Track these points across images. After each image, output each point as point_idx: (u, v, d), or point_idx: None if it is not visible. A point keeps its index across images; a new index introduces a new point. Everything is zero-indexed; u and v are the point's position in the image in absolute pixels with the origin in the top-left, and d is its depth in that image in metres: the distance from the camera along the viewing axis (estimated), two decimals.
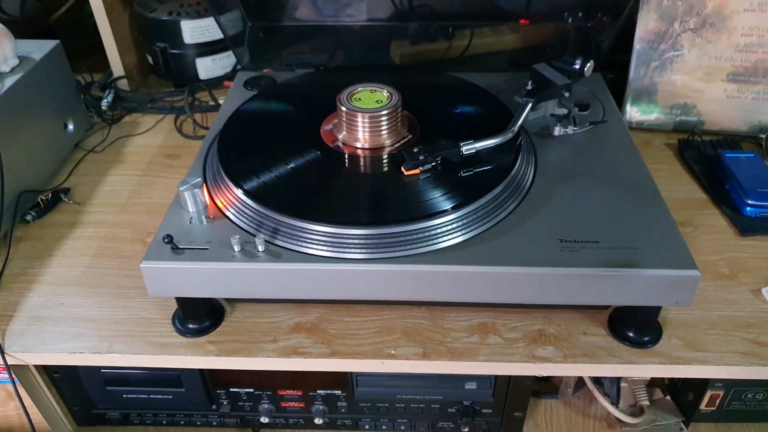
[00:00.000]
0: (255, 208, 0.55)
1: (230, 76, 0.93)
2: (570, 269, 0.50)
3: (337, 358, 0.56)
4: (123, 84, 0.93)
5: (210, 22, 0.88)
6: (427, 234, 0.53)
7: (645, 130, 0.85)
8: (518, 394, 0.64)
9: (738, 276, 0.63)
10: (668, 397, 0.72)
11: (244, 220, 0.55)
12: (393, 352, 0.56)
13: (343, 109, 0.61)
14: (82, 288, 0.63)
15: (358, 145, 0.61)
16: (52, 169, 0.78)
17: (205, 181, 0.60)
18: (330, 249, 0.52)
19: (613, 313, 0.58)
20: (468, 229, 0.54)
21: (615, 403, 0.70)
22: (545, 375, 0.58)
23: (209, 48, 0.91)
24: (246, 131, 0.66)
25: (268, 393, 0.66)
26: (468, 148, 0.59)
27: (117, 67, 0.92)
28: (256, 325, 0.59)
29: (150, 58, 0.94)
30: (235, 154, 0.61)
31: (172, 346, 0.57)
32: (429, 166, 0.57)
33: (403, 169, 0.57)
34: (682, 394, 0.70)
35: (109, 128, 0.86)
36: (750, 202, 0.69)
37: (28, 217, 0.70)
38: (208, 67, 0.92)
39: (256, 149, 0.62)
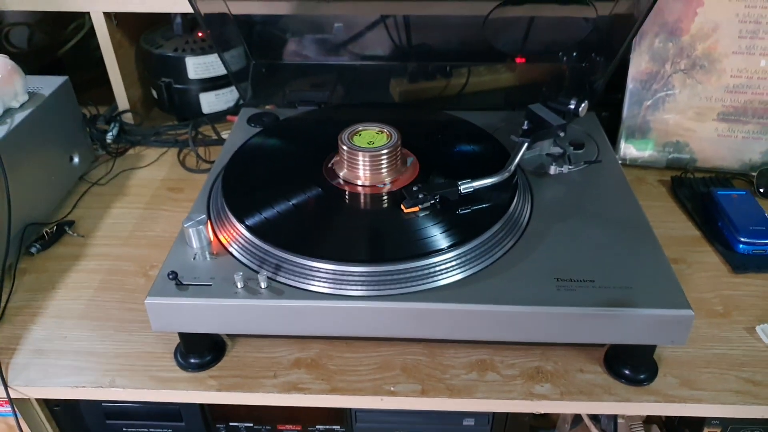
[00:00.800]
0: (258, 245, 0.56)
1: (233, 110, 0.95)
2: (566, 308, 0.51)
3: (337, 395, 0.56)
4: (128, 117, 0.95)
5: (214, 58, 0.90)
6: (426, 272, 0.54)
7: (639, 167, 0.87)
8: (516, 430, 0.64)
9: (732, 314, 0.64)
10: None
11: (247, 256, 0.56)
12: (392, 388, 0.57)
13: (345, 148, 0.62)
14: (85, 321, 0.63)
15: (359, 182, 0.63)
16: (56, 202, 0.79)
17: (209, 217, 0.61)
18: (331, 286, 0.53)
19: (609, 350, 0.59)
20: (466, 267, 0.55)
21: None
22: (542, 412, 0.59)
23: (212, 83, 0.93)
24: (249, 168, 0.67)
25: (267, 428, 0.66)
26: (466, 187, 0.60)
27: (122, 100, 0.94)
28: (257, 360, 0.59)
29: (155, 93, 0.96)
30: (239, 190, 0.63)
31: (173, 380, 0.58)
32: (428, 204, 0.59)
33: (402, 206, 0.59)
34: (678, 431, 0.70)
35: (113, 161, 0.88)
36: (743, 239, 0.71)
37: (33, 250, 0.71)
38: (211, 102, 0.94)
39: (260, 186, 0.63)
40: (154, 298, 0.53)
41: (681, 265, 0.70)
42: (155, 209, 0.79)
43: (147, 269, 0.70)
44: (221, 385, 0.57)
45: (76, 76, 0.83)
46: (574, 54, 0.87)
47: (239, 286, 0.53)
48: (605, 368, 0.58)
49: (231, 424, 0.66)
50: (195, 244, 0.58)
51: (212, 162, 0.86)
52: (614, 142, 0.86)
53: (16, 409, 0.59)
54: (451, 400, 0.56)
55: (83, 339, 0.61)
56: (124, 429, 0.66)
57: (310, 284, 0.53)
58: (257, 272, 0.54)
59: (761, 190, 0.81)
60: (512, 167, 0.63)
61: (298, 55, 0.87)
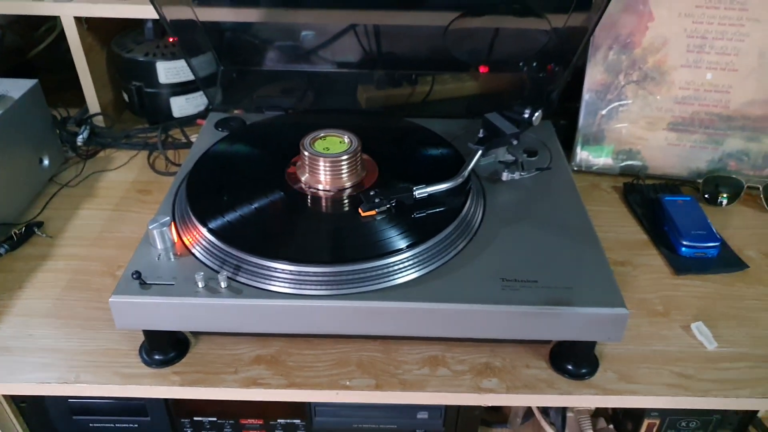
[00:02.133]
0: (219, 246, 0.58)
1: (203, 114, 0.97)
2: (509, 307, 0.55)
3: (295, 389, 0.59)
4: (98, 120, 0.96)
5: (184, 63, 0.92)
6: (381, 272, 0.57)
7: (594, 174, 0.91)
8: (467, 424, 0.68)
9: (671, 313, 0.68)
10: (611, 426, 0.76)
11: (208, 257, 0.59)
12: (347, 383, 0.59)
13: (306, 153, 0.65)
14: (52, 320, 0.65)
15: (320, 187, 0.66)
16: (26, 203, 0.81)
17: (174, 219, 0.64)
18: (288, 286, 0.56)
19: (554, 347, 0.62)
20: (420, 268, 0.58)
21: (561, 431, 0.74)
22: (489, 405, 0.62)
23: (183, 87, 0.95)
24: (214, 172, 0.69)
25: (231, 422, 0.68)
26: (420, 191, 0.63)
27: (93, 103, 0.96)
28: (219, 356, 0.62)
29: (126, 96, 0.98)
30: (203, 193, 0.65)
31: (138, 376, 0.60)
32: (384, 208, 0.62)
33: (360, 210, 0.62)
34: (623, 424, 0.74)
35: (83, 163, 0.89)
36: (685, 243, 0.75)
37: (1, 250, 0.73)
38: (181, 106, 0.96)
39: (223, 189, 0.66)
40: (118, 296, 0.55)
41: (627, 268, 0.74)
42: (124, 211, 0.81)
43: (114, 269, 0.72)
44: (184, 380, 0.59)
45: (48, 78, 0.85)
46: (534, 64, 0.91)
47: (200, 285, 0.55)
48: (550, 364, 0.61)
49: (195, 418, 0.68)
50: (159, 245, 0.60)
51: (180, 165, 0.88)
52: (571, 149, 0.90)
53: None
54: (404, 393, 0.59)
55: (49, 337, 0.63)
56: (91, 425, 0.68)
57: (267, 284, 0.56)
58: (218, 272, 0.56)
59: (706, 197, 0.85)
60: (465, 173, 0.66)
61: (266, 61, 0.89)
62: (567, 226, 0.65)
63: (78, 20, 0.88)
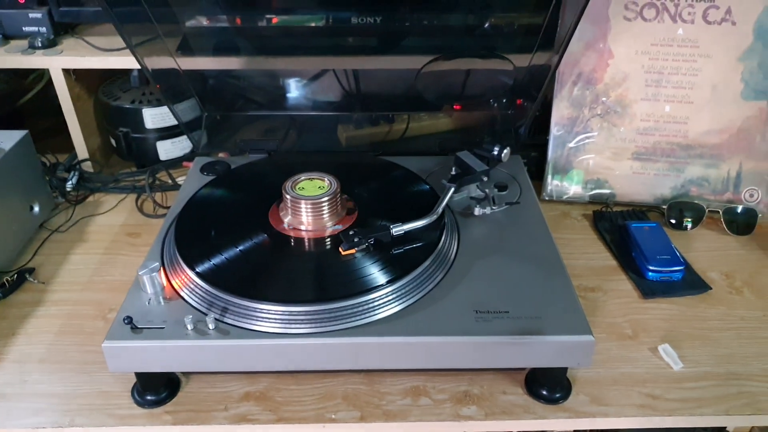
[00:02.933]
0: (206, 289, 0.61)
1: (188, 156, 1.00)
2: (482, 338, 0.58)
3: (283, 423, 0.62)
4: (87, 165, 0.99)
5: (177, 107, 0.96)
6: (363, 308, 0.60)
7: (564, 203, 0.95)
8: None
9: (639, 336, 0.71)
10: None
11: (197, 300, 0.62)
12: (333, 416, 0.62)
13: (288, 196, 0.69)
14: (46, 365, 0.67)
15: (303, 228, 0.69)
16: (17, 250, 0.83)
17: (162, 263, 0.67)
18: (274, 325, 0.59)
19: (528, 373, 0.65)
20: (400, 301, 0.62)
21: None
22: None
23: (169, 132, 0.98)
24: (201, 217, 0.73)
25: None
26: (397, 230, 0.67)
27: (81, 149, 0.99)
28: (210, 395, 0.64)
29: (113, 141, 1.01)
30: (190, 238, 0.68)
31: (131, 417, 0.62)
32: (363, 246, 0.65)
33: (340, 249, 0.65)
34: None
35: (73, 208, 0.92)
36: (651, 268, 0.79)
37: None
38: (167, 149, 1.00)
39: (209, 234, 0.69)
40: (110, 341, 0.58)
41: (598, 293, 0.78)
42: (114, 254, 0.84)
43: (106, 312, 0.74)
44: (176, 419, 0.62)
45: (36, 124, 0.87)
46: (503, 101, 0.96)
47: (189, 328, 0.58)
48: (526, 390, 0.65)
49: None
50: (149, 289, 0.63)
51: (168, 207, 0.91)
52: (542, 180, 0.94)
53: None
54: (387, 424, 0.62)
55: (44, 382, 0.65)
56: None
57: (253, 324, 0.59)
58: (206, 315, 0.59)
59: (672, 221, 0.90)
60: (439, 210, 0.70)
61: (248, 106, 0.93)
62: (536, 257, 0.68)
63: (66, 72, 0.92)
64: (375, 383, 0.66)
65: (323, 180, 0.71)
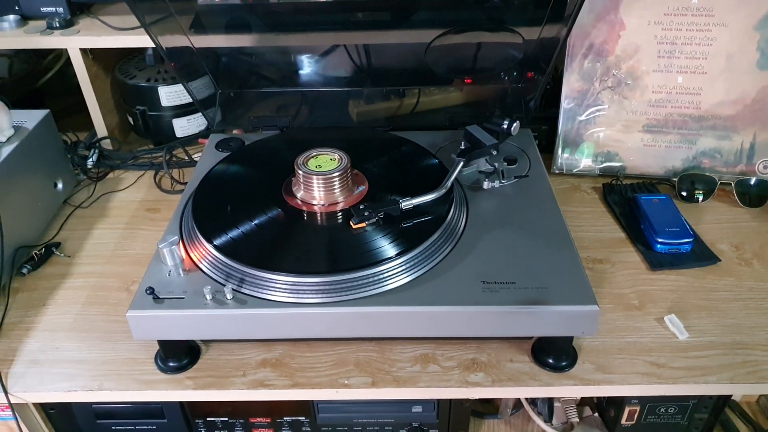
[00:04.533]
0: (224, 262, 0.64)
1: (204, 133, 1.03)
2: (488, 307, 0.60)
3: (298, 389, 0.65)
4: (106, 143, 1.02)
5: (191, 85, 0.98)
6: (374, 279, 0.63)
7: (574, 176, 0.96)
8: (459, 415, 0.73)
9: (646, 306, 0.73)
10: (596, 414, 0.81)
11: (215, 271, 0.64)
12: (346, 381, 0.65)
13: (300, 172, 0.70)
14: (74, 333, 0.71)
15: (315, 202, 0.71)
16: (44, 225, 0.86)
17: (181, 236, 0.69)
18: (289, 295, 0.62)
19: (535, 342, 0.67)
20: (409, 273, 0.64)
21: (548, 420, 0.79)
22: (476, 398, 0.67)
23: (184, 110, 1.00)
24: (217, 192, 0.75)
25: (241, 421, 0.74)
26: (406, 204, 0.68)
27: (100, 127, 1.01)
28: (228, 361, 0.67)
29: (131, 119, 1.04)
30: (207, 213, 0.71)
31: (154, 382, 0.65)
32: (373, 220, 0.67)
33: (351, 223, 0.67)
34: (606, 411, 0.80)
35: (94, 185, 0.95)
36: (660, 240, 0.79)
37: (24, 270, 0.78)
38: (183, 126, 1.02)
39: (225, 209, 0.71)
40: (134, 311, 0.61)
41: (605, 265, 0.79)
42: (134, 229, 0.87)
43: (129, 284, 0.77)
44: (197, 384, 0.65)
45: (56, 103, 0.89)
46: (514, 75, 0.96)
47: (208, 298, 0.61)
48: (532, 358, 0.67)
49: (208, 419, 0.74)
50: (169, 262, 0.65)
51: (185, 183, 0.94)
52: (553, 153, 0.95)
53: (16, 413, 0.66)
54: (397, 389, 0.64)
55: (73, 349, 0.69)
56: (113, 427, 0.74)
57: (270, 294, 0.62)
58: (224, 285, 0.62)
59: (683, 194, 0.90)
60: (448, 184, 0.72)
61: (261, 83, 0.95)
62: (544, 230, 0.70)
63: (83, 51, 0.94)
64: (386, 351, 0.68)
65: (334, 155, 0.73)
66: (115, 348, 0.69)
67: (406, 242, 0.65)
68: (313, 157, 0.72)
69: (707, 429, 0.77)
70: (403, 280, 0.63)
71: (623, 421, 0.77)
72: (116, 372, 0.66)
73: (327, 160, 0.72)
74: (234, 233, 0.67)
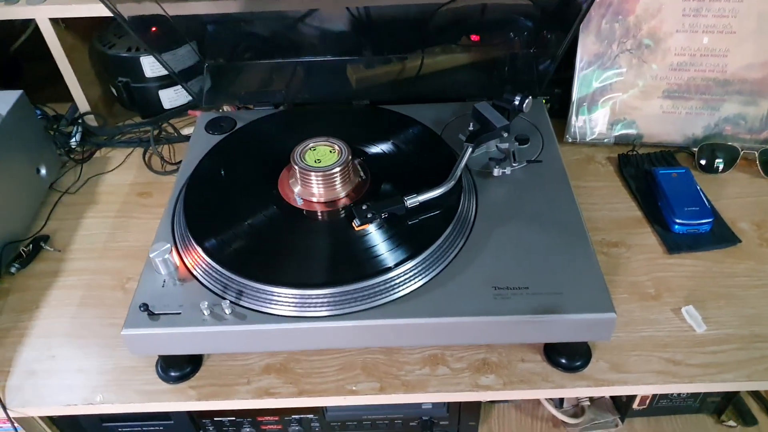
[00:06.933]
0: (221, 272, 0.60)
1: (193, 104, 0.96)
2: (501, 317, 0.57)
3: (304, 397, 0.63)
4: (90, 119, 0.96)
5: (169, 56, 0.90)
6: (380, 288, 0.59)
7: (588, 145, 0.90)
8: (470, 408, 0.72)
9: (662, 296, 0.70)
10: (608, 397, 0.80)
11: (211, 282, 0.61)
12: (353, 388, 0.63)
13: (297, 168, 0.66)
14: (71, 339, 0.69)
15: (314, 199, 0.67)
16: (30, 215, 0.82)
17: (174, 240, 0.65)
18: (291, 308, 0.58)
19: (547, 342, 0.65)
20: (418, 278, 0.60)
21: (558, 405, 0.78)
22: (488, 400, 0.66)
23: (171, 80, 0.93)
24: (209, 190, 0.70)
25: (249, 419, 0.73)
26: (411, 201, 0.64)
27: (81, 102, 0.95)
28: (231, 368, 0.65)
29: (114, 90, 0.97)
30: (200, 216, 0.66)
31: (156, 392, 0.64)
32: (377, 220, 0.63)
33: (353, 225, 0.63)
34: (618, 395, 0.79)
35: (80, 167, 0.90)
36: (678, 221, 0.75)
37: (13, 270, 0.75)
38: (171, 97, 0.95)
39: (219, 211, 0.67)
40: (129, 329, 0.58)
41: (621, 249, 0.75)
42: (126, 217, 0.83)
43: (124, 282, 0.74)
44: (200, 394, 0.63)
45: (34, 69, 0.80)
46: (524, 34, 0.88)
47: (206, 313, 0.58)
48: (544, 357, 0.64)
49: (216, 419, 0.73)
50: (163, 270, 0.62)
51: (176, 164, 0.89)
52: (566, 118, 0.89)
53: (16, 425, 0.65)
54: (406, 395, 0.63)
55: (70, 357, 0.67)
56: (119, 430, 0.73)
57: (270, 308, 0.59)
58: (221, 297, 0.59)
59: (702, 164, 0.85)
60: (457, 174, 0.67)
61: (251, 53, 0.87)
62: (557, 223, 0.66)
63: (54, 21, 0.86)
64: (393, 353, 0.66)
65: (333, 146, 0.67)
66: (114, 355, 0.67)
67: (415, 244, 0.61)
68: (310, 148, 0.67)
69: (719, 411, 0.77)
70: (412, 286, 0.60)
71: (635, 406, 0.76)
72: (116, 382, 0.64)
73: (326, 152, 0.67)
74: (230, 241, 0.63)
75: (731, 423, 0.79)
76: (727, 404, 0.76)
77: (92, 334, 0.69)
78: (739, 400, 0.78)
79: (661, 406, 0.76)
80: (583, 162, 0.88)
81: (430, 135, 0.76)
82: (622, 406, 0.79)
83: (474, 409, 0.73)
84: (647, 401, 0.76)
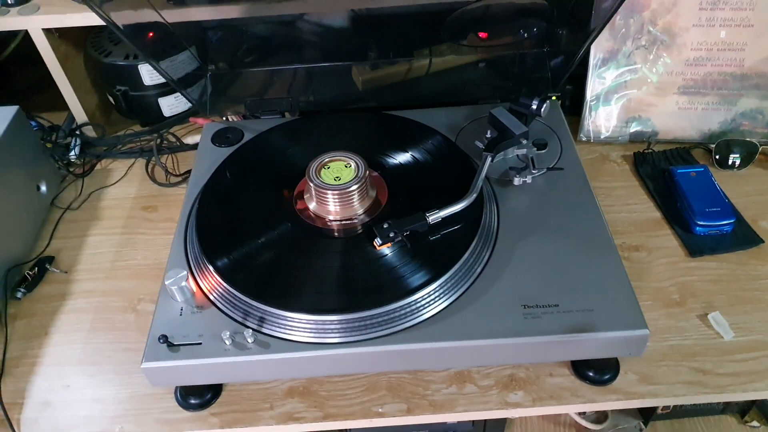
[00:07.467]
0: (241, 299, 0.58)
1: (194, 111, 0.93)
2: (532, 338, 0.56)
3: (331, 421, 0.62)
4: (88, 129, 0.92)
5: (168, 63, 0.87)
6: (404, 311, 0.57)
7: (602, 143, 0.88)
8: (495, 421, 0.71)
9: (687, 302, 0.69)
10: None
11: (230, 308, 0.59)
12: (380, 410, 0.62)
13: (313, 185, 0.63)
14: (84, 367, 0.66)
15: (330, 217, 0.64)
16: (33, 235, 0.79)
17: (188, 263, 0.63)
18: (315, 335, 0.57)
19: None
20: (442, 299, 0.58)
21: (581, 412, 0.77)
22: (516, 417, 0.65)
23: (170, 87, 0.90)
24: (221, 208, 0.67)
25: None
26: (434, 217, 0.62)
27: (78, 112, 0.91)
28: (253, 393, 0.64)
29: (112, 99, 0.93)
30: (215, 239, 0.63)
31: (178, 421, 0.62)
32: (398, 239, 0.61)
33: (374, 244, 0.61)
34: None
35: (82, 181, 0.87)
36: (699, 222, 0.74)
37: (18, 294, 0.72)
38: (171, 105, 0.92)
39: (234, 233, 0.64)
40: (149, 363, 0.56)
41: (642, 253, 0.74)
42: (132, 234, 0.80)
43: (135, 303, 0.72)
44: (223, 421, 0.62)
45: (24, 76, 0.77)
46: (534, 31, 0.86)
47: (228, 343, 0.56)
48: (573, 371, 0.63)
49: None
50: (179, 298, 0.60)
51: (180, 175, 0.86)
52: (579, 115, 0.87)
53: None
54: (435, 415, 0.61)
55: (85, 386, 0.65)
56: None
57: (294, 335, 0.57)
58: (242, 324, 0.57)
59: (719, 160, 0.84)
60: (478, 185, 0.65)
61: (254, 60, 0.84)
62: (582, 233, 0.64)
63: (48, 31, 0.82)
64: (418, 371, 0.64)
65: (349, 162, 0.65)
66: (131, 383, 0.65)
67: (439, 263, 0.60)
68: (325, 165, 0.65)
69: (743, 411, 0.76)
70: (438, 307, 0.58)
71: (659, 411, 0.76)
72: (135, 411, 0.63)
73: (341, 167, 0.65)
74: (249, 265, 0.61)
75: (755, 423, 0.79)
76: (750, 405, 0.76)
77: (106, 361, 0.67)
78: (763, 401, 0.78)
79: (686, 408, 0.76)
80: (597, 161, 0.86)
81: (446, 143, 0.73)
82: (645, 410, 0.78)
83: (499, 424, 0.72)
84: (671, 405, 0.75)
